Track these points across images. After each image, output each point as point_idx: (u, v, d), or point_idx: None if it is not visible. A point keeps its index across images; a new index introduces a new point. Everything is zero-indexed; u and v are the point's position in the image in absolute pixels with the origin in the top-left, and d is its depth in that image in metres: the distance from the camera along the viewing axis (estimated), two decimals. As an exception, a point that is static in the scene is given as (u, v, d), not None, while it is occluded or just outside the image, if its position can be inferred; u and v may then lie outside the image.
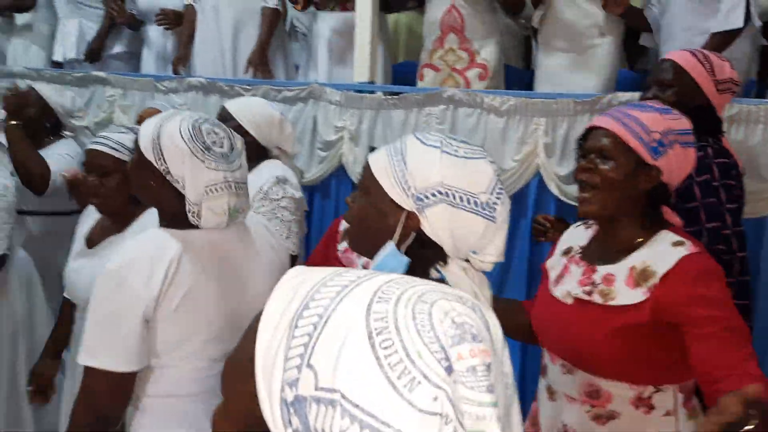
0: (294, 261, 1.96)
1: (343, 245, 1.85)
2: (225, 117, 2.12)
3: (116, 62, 3.70)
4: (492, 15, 2.89)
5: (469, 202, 1.00)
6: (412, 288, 0.57)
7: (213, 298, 1.31)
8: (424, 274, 1.04)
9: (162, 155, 1.28)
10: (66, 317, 2.04)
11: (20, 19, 3.92)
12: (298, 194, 2.07)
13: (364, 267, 1.79)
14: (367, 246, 1.09)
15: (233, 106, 2.13)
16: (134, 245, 1.32)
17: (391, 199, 1.03)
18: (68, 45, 3.69)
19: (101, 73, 3.25)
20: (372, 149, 1.91)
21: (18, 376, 2.38)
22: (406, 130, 2.53)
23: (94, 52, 3.62)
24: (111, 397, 1.26)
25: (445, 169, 1.00)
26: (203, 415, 1.29)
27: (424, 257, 1.04)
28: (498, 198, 1.02)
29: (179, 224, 1.31)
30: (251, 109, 2.08)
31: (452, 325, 0.54)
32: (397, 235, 1.03)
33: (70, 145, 2.68)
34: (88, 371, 1.25)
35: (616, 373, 1.30)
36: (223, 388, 0.66)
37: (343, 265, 1.84)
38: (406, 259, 1.02)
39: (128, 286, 1.23)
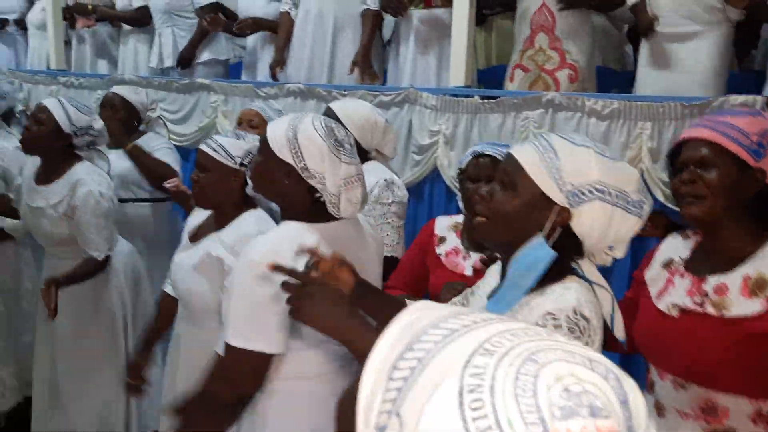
0: (395, 263, 1.99)
1: (443, 248, 1.86)
2: (329, 117, 2.17)
3: (204, 69, 3.85)
4: (584, 14, 2.82)
5: (622, 200, 1.06)
6: (529, 342, 0.48)
7: None
8: (563, 268, 1.09)
9: (301, 153, 1.36)
10: (164, 310, 2.11)
11: (128, 27, 4.15)
12: (406, 197, 2.09)
13: (474, 268, 1.80)
14: (507, 240, 1.12)
15: (338, 107, 2.15)
16: (273, 236, 1.39)
17: (541, 194, 1.07)
18: (165, 54, 3.88)
19: (205, 81, 3.40)
20: (474, 153, 1.92)
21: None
22: (503, 134, 2.51)
23: (185, 60, 3.78)
24: (253, 377, 1.36)
25: (600, 168, 1.05)
26: (329, 396, 1.36)
27: (564, 251, 1.09)
28: (645, 196, 1.10)
29: (305, 218, 1.39)
30: (356, 112, 2.09)
31: (564, 393, 0.45)
32: (547, 229, 1.06)
33: (159, 137, 2.89)
34: (234, 352, 1.33)
35: (734, 387, 1.26)
36: (335, 426, 0.65)
37: (446, 269, 1.85)
38: (553, 252, 1.05)
39: (280, 278, 1.31)
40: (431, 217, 2.71)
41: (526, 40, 2.80)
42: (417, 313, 0.54)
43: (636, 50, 2.88)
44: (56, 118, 2.29)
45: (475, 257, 1.83)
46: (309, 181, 1.36)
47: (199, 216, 2.01)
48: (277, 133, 1.39)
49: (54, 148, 2.33)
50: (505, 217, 1.10)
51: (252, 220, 1.83)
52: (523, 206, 1.08)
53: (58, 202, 2.31)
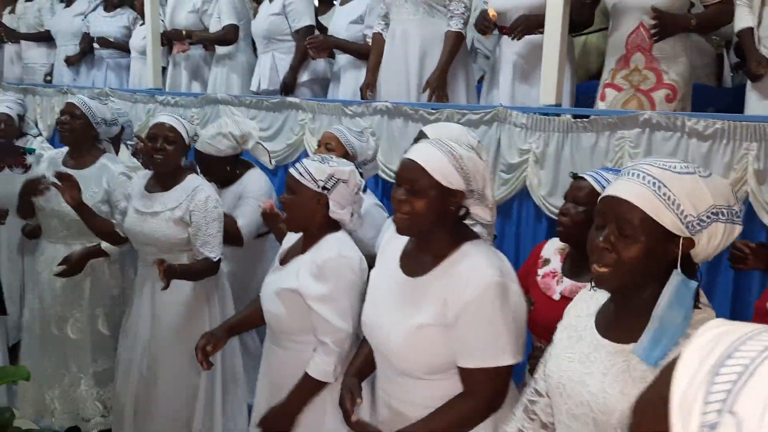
0: None
1: (544, 270, 1.84)
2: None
3: (305, 89, 3.98)
4: (682, 34, 2.73)
5: (733, 215, 1.11)
6: None
7: None
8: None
9: (469, 176, 1.46)
10: (253, 310, 2.13)
11: (221, 50, 4.34)
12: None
13: (562, 294, 1.76)
14: (633, 284, 1.14)
15: (431, 131, 2.17)
16: (486, 257, 1.48)
17: (663, 231, 1.09)
18: (263, 77, 4.02)
19: (294, 99, 3.50)
20: (573, 174, 1.89)
21: (215, 378, 2.59)
22: (596, 154, 2.46)
23: (289, 86, 3.91)
24: (503, 391, 1.49)
25: (711, 191, 1.08)
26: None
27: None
28: (740, 202, 1.17)
29: (455, 237, 1.52)
30: (449, 135, 2.06)
31: None
32: (679, 263, 1.09)
33: (260, 177, 2.91)
34: (492, 372, 1.44)
35: None
36: (632, 424, 0.70)
37: (539, 289, 1.82)
38: (696, 284, 1.09)
39: (514, 291, 1.46)
40: (518, 237, 2.69)
41: (620, 60, 2.73)
42: (717, 329, 0.59)
43: (739, 68, 2.76)
44: (182, 133, 2.47)
45: (568, 283, 1.79)
46: (467, 201, 1.48)
47: (291, 239, 2.07)
48: (439, 165, 1.44)
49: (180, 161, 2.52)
50: (632, 264, 1.11)
51: (333, 242, 1.88)
52: (648, 248, 1.10)
53: (176, 206, 2.44)
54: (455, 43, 3.11)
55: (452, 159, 1.44)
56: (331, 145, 2.59)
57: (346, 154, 2.55)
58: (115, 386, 2.71)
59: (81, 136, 2.80)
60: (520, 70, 3.01)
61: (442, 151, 1.46)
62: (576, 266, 1.77)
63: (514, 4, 2.96)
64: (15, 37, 5.58)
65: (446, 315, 1.44)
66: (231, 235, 2.69)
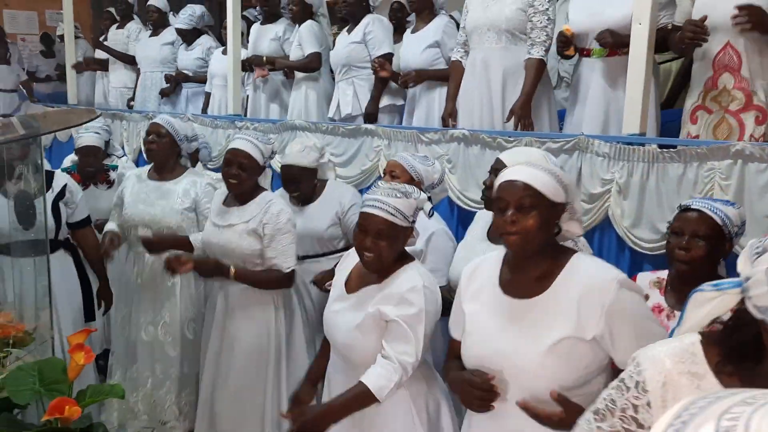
0: None
1: None
2: (500, 168, 2.16)
3: (382, 114, 4.03)
4: None
5: None
6: None
7: None
8: None
9: (568, 189, 1.52)
10: (325, 351, 2.15)
11: (300, 76, 4.42)
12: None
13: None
14: None
15: (509, 157, 2.16)
16: (597, 261, 1.57)
17: None
18: (344, 104, 4.08)
19: (370, 126, 3.55)
20: (683, 207, 1.83)
21: (281, 396, 2.63)
22: (684, 185, 2.37)
23: (371, 115, 3.96)
24: None
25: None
26: None
27: None
28: None
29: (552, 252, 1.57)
30: (529, 161, 2.07)
31: None
32: None
33: (341, 186, 3.03)
34: None
35: None
36: None
37: None
38: None
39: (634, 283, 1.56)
40: (599, 268, 2.61)
41: (707, 81, 2.63)
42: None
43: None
44: (256, 158, 2.59)
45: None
46: (564, 215, 1.52)
47: (349, 261, 2.03)
48: (541, 180, 1.48)
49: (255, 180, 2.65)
50: None
51: (414, 273, 1.86)
52: None
53: (250, 219, 2.57)
54: (538, 70, 3.07)
55: (551, 173, 1.50)
56: (395, 173, 2.61)
57: (411, 180, 2.56)
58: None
59: (167, 154, 2.96)
60: (601, 95, 2.94)
61: (539, 168, 1.51)
62: (682, 298, 1.69)
63: (594, 25, 2.91)
64: (100, 66, 5.95)
65: (585, 325, 1.43)
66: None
